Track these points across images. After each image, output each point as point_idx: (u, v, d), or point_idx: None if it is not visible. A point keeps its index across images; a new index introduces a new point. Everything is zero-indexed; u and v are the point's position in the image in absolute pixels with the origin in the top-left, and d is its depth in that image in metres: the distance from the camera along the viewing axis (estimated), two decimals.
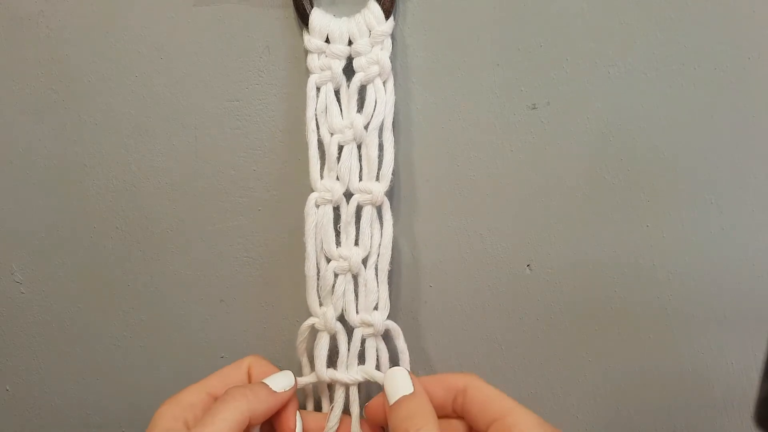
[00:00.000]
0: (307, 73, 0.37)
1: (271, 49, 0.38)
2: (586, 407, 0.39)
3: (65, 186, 0.40)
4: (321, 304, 0.37)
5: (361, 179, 0.37)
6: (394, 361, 0.37)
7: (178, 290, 0.41)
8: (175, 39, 0.38)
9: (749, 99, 0.36)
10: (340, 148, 0.37)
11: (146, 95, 0.39)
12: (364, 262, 0.37)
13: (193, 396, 0.34)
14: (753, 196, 0.36)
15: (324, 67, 0.36)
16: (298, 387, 0.37)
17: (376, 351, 0.37)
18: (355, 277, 0.37)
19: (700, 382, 0.38)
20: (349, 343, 0.37)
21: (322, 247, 0.37)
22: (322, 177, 0.37)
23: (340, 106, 0.37)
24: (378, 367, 0.37)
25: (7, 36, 0.39)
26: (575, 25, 0.36)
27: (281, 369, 0.37)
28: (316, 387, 0.38)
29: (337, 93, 0.37)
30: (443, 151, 0.38)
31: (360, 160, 0.37)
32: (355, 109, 0.37)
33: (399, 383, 0.34)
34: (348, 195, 0.37)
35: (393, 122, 0.36)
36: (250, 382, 0.36)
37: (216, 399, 0.34)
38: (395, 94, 0.37)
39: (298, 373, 0.37)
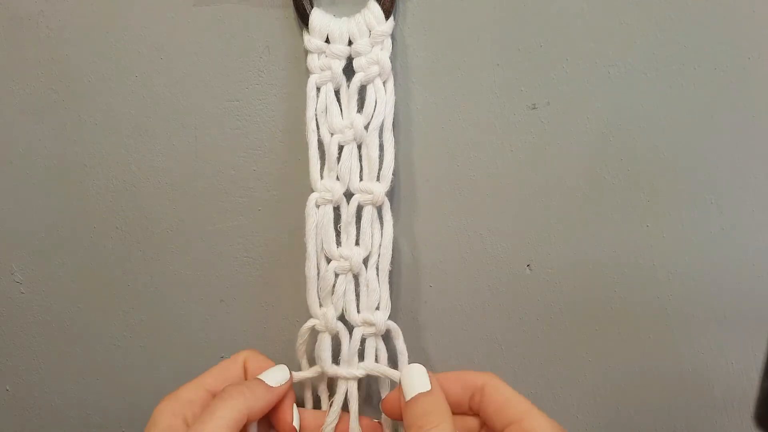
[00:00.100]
0: (307, 73, 0.37)
1: (271, 49, 0.38)
2: (586, 407, 0.39)
3: (65, 186, 0.40)
4: (321, 305, 0.37)
5: (361, 179, 0.37)
6: (393, 361, 0.37)
7: (178, 290, 0.41)
8: (175, 39, 0.38)
9: (749, 99, 0.36)
10: (341, 148, 0.37)
11: (146, 95, 0.39)
12: (365, 262, 0.37)
13: (191, 393, 0.34)
14: (753, 196, 0.36)
15: (324, 67, 0.36)
16: (295, 381, 0.37)
17: (375, 351, 0.37)
18: (355, 277, 0.37)
19: (700, 382, 0.38)
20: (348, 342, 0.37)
21: (323, 247, 0.37)
22: (322, 177, 0.37)
23: (340, 106, 0.37)
24: None
25: (7, 36, 0.39)
26: (575, 25, 0.36)
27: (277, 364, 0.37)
28: (314, 385, 0.38)
29: (337, 93, 0.37)
30: (443, 151, 0.38)
31: (360, 160, 0.37)
32: (355, 109, 0.37)
33: (416, 380, 0.34)
34: (348, 195, 0.37)
35: (393, 122, 0.36)
36: (246, 376, 0.37)
37: (214, 395, 0.34)
38: (395, 94, 0.37)
39: (299, 370, 0.37)
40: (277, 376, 0.36)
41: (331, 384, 0.38)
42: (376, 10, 0.35)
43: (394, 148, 0.37)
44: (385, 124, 0.36)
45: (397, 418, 0.35)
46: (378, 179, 0.37)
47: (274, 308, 0.40)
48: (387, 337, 0.38)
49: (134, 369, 0.42)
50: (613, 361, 0.39)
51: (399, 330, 0.37)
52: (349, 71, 0.37)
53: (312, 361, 0.38)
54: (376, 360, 0.37)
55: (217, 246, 0.40)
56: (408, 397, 0.34)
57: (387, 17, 0.36)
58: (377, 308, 0.37)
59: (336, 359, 0.37)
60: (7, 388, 0.43)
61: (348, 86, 0.37)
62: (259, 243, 0.40)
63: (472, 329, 0.39)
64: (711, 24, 0.35)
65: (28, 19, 0.39)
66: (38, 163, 0.40)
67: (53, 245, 0.41)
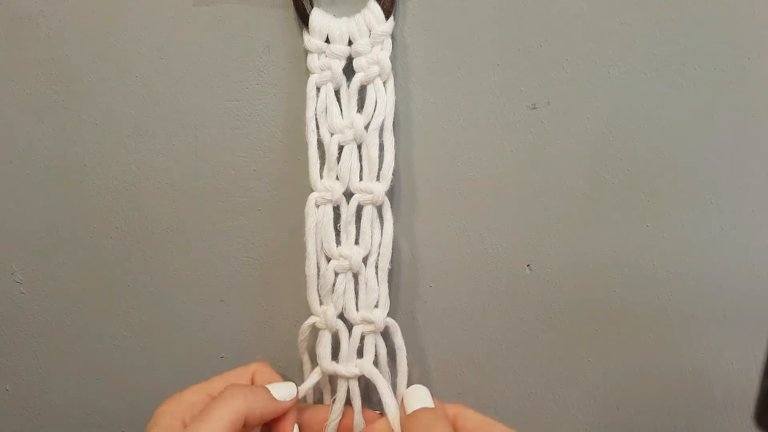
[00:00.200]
0: (307, 73, 0.37)
1: (271, 49, 0.38)
2: (586, 407, 0.39)
3: (65, 186, 0.40)
4: (321, 303, 0.37)
5: (361, 179, 0.37)
6: (392, 357, 0.38)
7: (178, 290, 0.41)
8: (175, 39, 0.38)
9: (749, 99, 0.36)
10: (340, 148, 0.37)
11: (146, 95, 0.39)
12: (365, 261, 0.37)
13: (194, 396, 0.34)
14: (753, 196, 0.36)
15: (324, 67, 0.36)
16: (303, 393, 0.37)
17: (375, 347, 0.37)
18: (355, 276, 0.37)
19: (700, 382, 0.38)
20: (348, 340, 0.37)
21: (322, 246, 0.37)
22: (322, 177, 0.37)
23: (340, 106, 0.37)
24: (376, 363, 0.37)
25: (7, 36, 0.39)
26: (575, 25, 0.36)
27: (283, 373, 0.37)
28: (317, 381, 0.38)
29: (337, 93, 0.37)
30: (443, 151, 0.38)
31: (360, 160, 0.37)
32: (356, 109, 0.37)
33: (422, 395, 0.35)
34: (348, 195, 0.37)
35: (393, 122, 0.36)
36: None
37: None
38: (395, 94, 0.37)
39: (299, 369, 0.38)
40: (283, 390, 0.35)
41: (333, 379, 0.38)
42: (376, 10, 0.35)
43: (394, 148, 0.37)
44: (385, 124, 0.36)
45: None
46: (378, 179, 0.37)
47: (274, 308, 0.40)
48: (385, 334, 0.38)
49: (134, 369, 0.42)
50: (613, 361, 0.39)
51: (397, 326, 0.37)
52: (349, 71, 0.37)
53: (313, 357, 0.38)
54: (376, 356, 0.37)
55: (217, 246, 0.40)
56: (410, 410, 0.34)
57: (387, 17, 0.36)
58: (376, 306, 0.37)
59: (335, 356, 0.37)
60: (7, 388, 0.43)
61: (348, 86, 0.37)
62: (259, 243, 0.40)
63: (472, 329, 0.39)
64: (711, 24, 0.35)
65: (28, 19, 0.39)
66: (38, 163, 0.40)
67: (53, 245, 0.41)
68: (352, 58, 0.36)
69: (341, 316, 0.37)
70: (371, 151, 0.36)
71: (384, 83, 0.36)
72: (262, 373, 0.37)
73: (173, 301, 0.41)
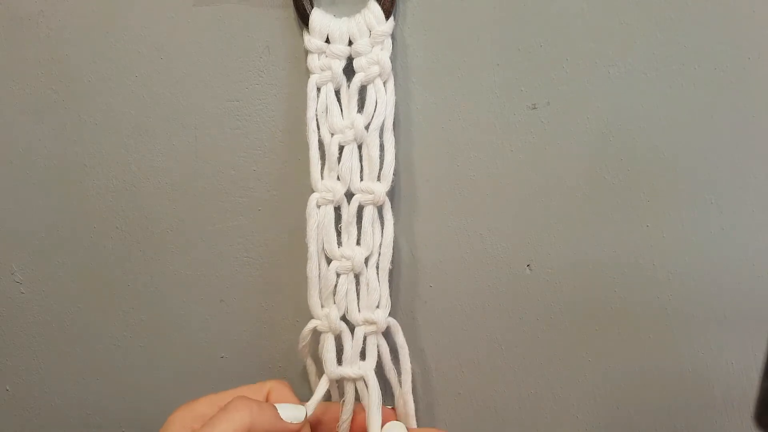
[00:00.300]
0: (307, 73, 0.37)
1: (271, 49, 0.38)
2: (586, 407, 0.39)
3: (65, 186, 0.40)
4: (322, 306, 0.37)
5: (362, 179, 0.37)
6: (395, 356, 0.38)
7: (178, 290, 0.41)
8: (175, 39, 0.38)
9: (749, 99, 0.36)
10: (341, 149, 0.37)
11: (146, 95, 0.39)
12: (366, 261, 0.37)
13: (205, 407, 0.34)
14: (753, 196, 0.36)
15: (324, 67, 0.36)
16: (311, 410, 0.36)
17: (377, 348, 0.37)
18: (356, 277, 0.37)
19: (700, 382, 0.38)
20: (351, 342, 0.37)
21: (324, 247, 0.37)
22: (322, 177, 0.37)
23: (340, 106, 0.37)
24: (380, 363, 0.37)
25: (7, 36, 0.39)
26: (575, 25, 0.36)
27: (283, 374, 0.37)
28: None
29: (337, 93, 0.37)
30: (443, 151, 0.38)
31: (361, 161, 0.37)
32: (356, 109, 0.37)
33: None
34: (348, 195, 0.37)
35: (393, 122, 0.36)
36: None
37: None
38: (395, 94, 0.37)
39: (299, 370, 0.37)
40: (291, 412, 0.35)
41: (339, 381, 0.38)
42: (376, 10, 0.35)
43: (395, 148, 0.37)
44: (385, 124, 0.36)
45: None
46: (378, 179, 0.37)
47: (274, 308, 0.40)
48: (387, 334, 0.38)
49: (134, 369, 0.42)
50: (613, 361, 0.39)
51: (398, 325, 0.38)
52: (349, 71, 0.37)
53: (316, 359, 0.38)
54: (379, 357, 0.37)
55: (217, 246, 0.40)
56: None
57: (387, 17, 0.36)
58: (377, 306, 0.37)
59: (338, 358, 0.37)
60: (7, 388, 0.43)
61: (348, 86, 0.37)
62: (259, 243, 0.40)
63: (472, 329, 0.39)
64: (711, 24, 0.35)
65: (28, 19, 0.39)
66: (38, 163, 0.40)
67: (53, 245, 0.41)
68: (353, 59, 0.36)
69: (342, 318, 0.37)
70: (372, 151, 0.36)
71: (384, 83, 0.36)
72: (278, 391, 0.36)
73: (173, 301, 0.41)
